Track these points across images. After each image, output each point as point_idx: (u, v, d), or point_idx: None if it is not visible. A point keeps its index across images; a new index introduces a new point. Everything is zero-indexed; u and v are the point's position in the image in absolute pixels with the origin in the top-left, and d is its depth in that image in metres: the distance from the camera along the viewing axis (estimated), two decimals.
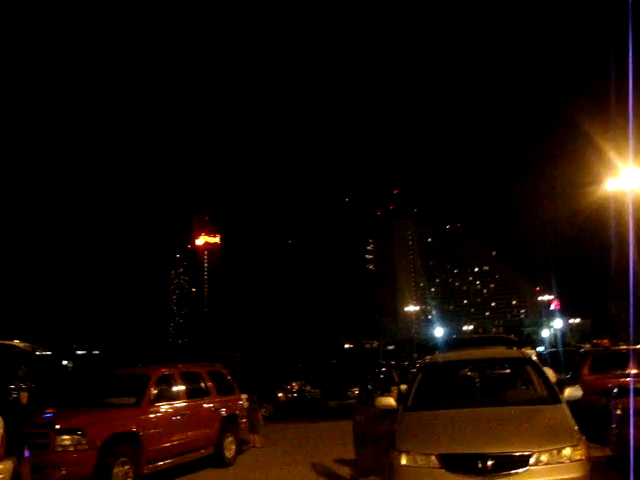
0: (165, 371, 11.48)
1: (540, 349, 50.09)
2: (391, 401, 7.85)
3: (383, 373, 11.56)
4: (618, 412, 9.98)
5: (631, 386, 10.98)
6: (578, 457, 6.34)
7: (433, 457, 6.51)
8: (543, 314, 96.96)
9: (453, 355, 8.95)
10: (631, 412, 9.17)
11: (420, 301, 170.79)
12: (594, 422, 10.75)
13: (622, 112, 21.45)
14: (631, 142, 21.38)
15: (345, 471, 10.98)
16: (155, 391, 10.74)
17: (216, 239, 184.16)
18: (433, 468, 6.48)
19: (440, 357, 9.02)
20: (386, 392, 8.31)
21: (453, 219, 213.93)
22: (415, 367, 9.41)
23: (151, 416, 10.44)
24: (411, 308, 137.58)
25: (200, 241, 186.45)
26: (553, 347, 58.19)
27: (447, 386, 8.33)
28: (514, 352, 8.99)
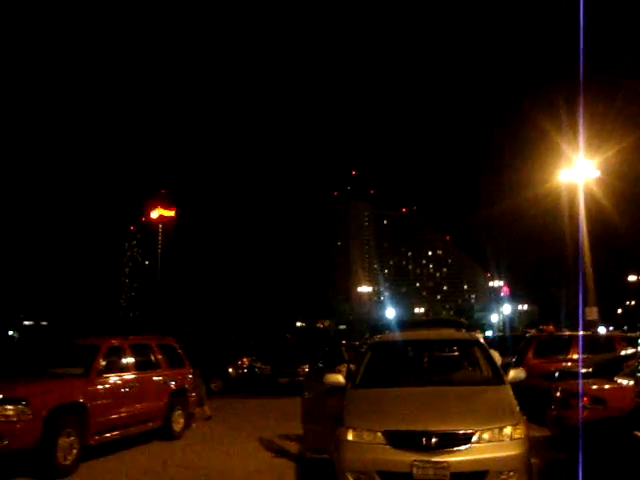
0: (115, 342, 11.34)
1: (488, 333, 51.31)
2: (340, 378, 7.96)
3: (334, 351, 11.69)
4: (558, 394, 10.33)
5: (580, 370, 11.39)
6: (518, 436, 6.56)
7: (379, 433, 6.65)
8: (493, 300, 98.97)
9: (402, 335, 9.08)
10: (580, 394, 9.51)
11: (373, 282, 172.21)
12: (536, 404, 11.11)
13: (575, 105, 21.95)
14: (582, 134, 21.90)
15: (292, 446, 11.10)
16: (104, 362, 10.60)
17: (171, 212, 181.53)
18: (379, 444, 6.62)
19: (390, 336, 9.16)
20: (335, 369, 8.40)
21: (409, 203, 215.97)
22: (365, 346, 9.51)
23: (99, 387, 10.32)
24: (364, 289, 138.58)
25: (155, 214, 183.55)
26: (501, 332, 59.68)
27: (395, 365, 8.47)
28: (463, 334, 9.18)
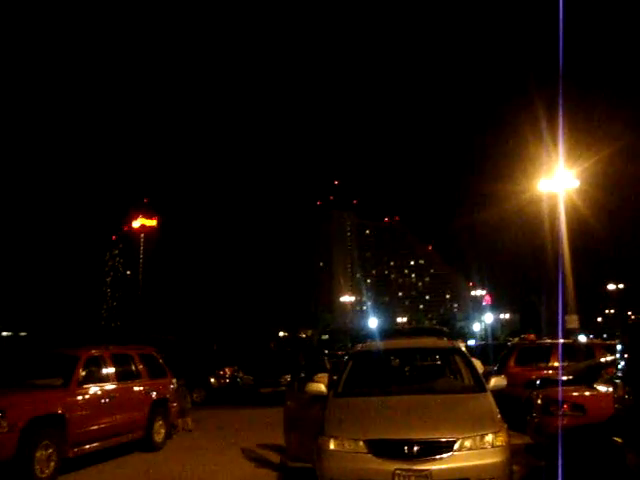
0: (95, 352, 11.21)
1: (471, 342, 51.57)
2: (321, 387, 7.94)
3: (316, 360, 11.69)
4: (538, 402, 10.39)
5: (560, 377, 11.48)
6: (499, 443, 6.58)
7: (361, 442, 6.64)
8: (475, 309, 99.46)
9: (384, 344, 9.10)
10: (560, 401, 9.58)
11: (356, 292, 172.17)
12: (517, 412, 11.16)
13: (555, 115, 22.20)
14: (561, 144, 22.14)
15: (274, 456, 11.05)
16: (84, 372, 10.48)
17: (153, 222, 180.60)
18: (360, 453, 6.62)
19: (371, 345, 9.17)
20: (314, 378, 8.38)
21: (392, 212, 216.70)
22: (347, 355, 9.52)
23: (78, 398, 10.20)
24: (347, 298, 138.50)
25: (137, 223, 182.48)
26: (483, 340, 60.01)
27: (377, 374, 8.47)
28: (444, 342, 9.22)
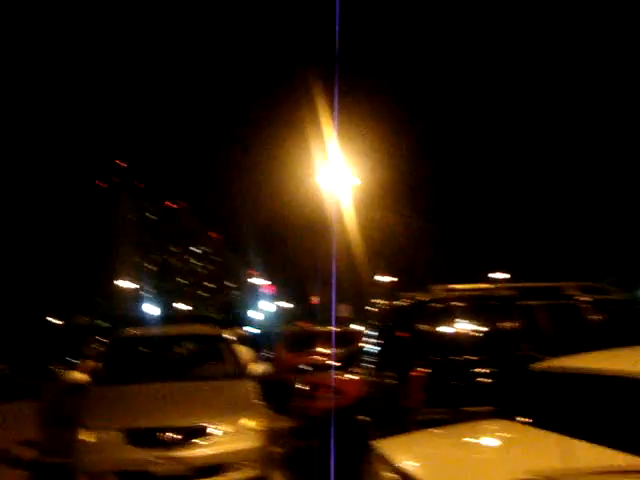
0: None
1: (251, 330, 52.63)
2: (81, 375, 7.64)
3: (80, 347, 11.21)
4: (302, 386, 10.95)
5: (317, 363, 12.16)
6: (255, 427, 6.79)
7: (117, 432, 6.48)
8: (257, 297, 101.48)
9: (147, 330, 9.00)
10: (314, 385, 10.14)
11: (137, 278, 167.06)
12: (287, 396, 11.64)
13: (330, 104, 22.92)
14: (336, 133, 22.96)
15: (29, 453, 10.32)
16: None
17: None
18: (117, 443, 6.45)
19: (134, 331, 8.97)
20: (78, 367, 8.02)
21: (177, 197, 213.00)
22: (108, 341, 9.22)
23: None
24: (127, 284, 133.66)
25: None
26: (264, 329, 61.50)
27: (138, 360, 8.33)
28: (209, 329, 9.33)
